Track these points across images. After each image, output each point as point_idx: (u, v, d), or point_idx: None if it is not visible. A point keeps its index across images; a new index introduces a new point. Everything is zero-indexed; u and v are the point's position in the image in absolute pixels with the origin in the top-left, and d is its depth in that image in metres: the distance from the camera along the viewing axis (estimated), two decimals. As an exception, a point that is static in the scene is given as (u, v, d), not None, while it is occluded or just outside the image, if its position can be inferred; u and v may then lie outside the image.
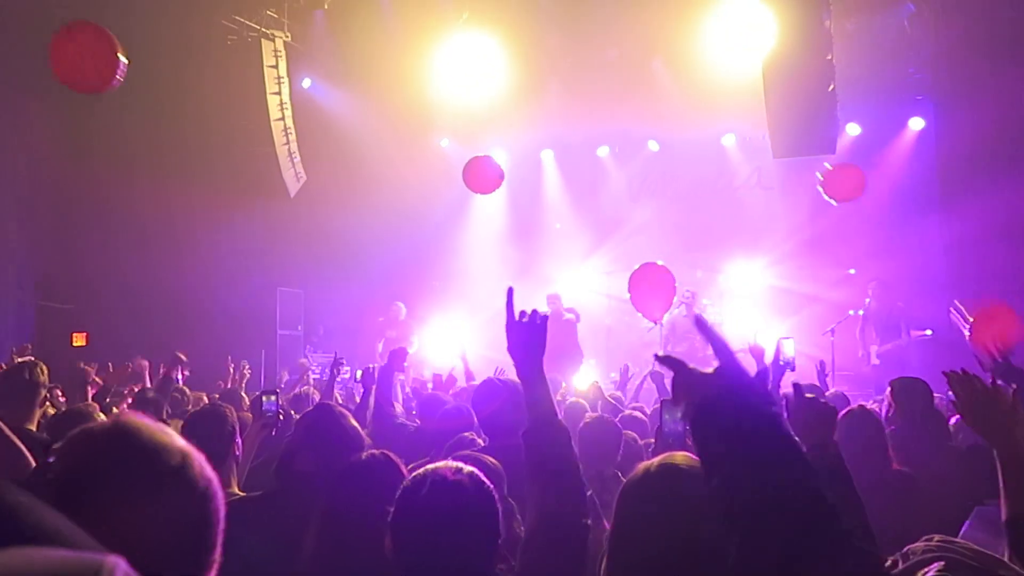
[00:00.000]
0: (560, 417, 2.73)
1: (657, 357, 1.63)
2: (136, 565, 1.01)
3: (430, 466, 2.41)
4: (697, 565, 2.07)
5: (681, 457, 2.31)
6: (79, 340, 14.09)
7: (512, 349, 2.82)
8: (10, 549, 0.93)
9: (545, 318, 2.86)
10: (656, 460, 2.29)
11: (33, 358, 5.26)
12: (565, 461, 2.62)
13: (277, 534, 3.09)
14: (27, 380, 4.75)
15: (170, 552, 1.51)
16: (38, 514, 1.08)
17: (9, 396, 4.70)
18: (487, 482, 2.39)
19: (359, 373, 7.58)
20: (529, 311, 2.86)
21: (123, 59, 7.42)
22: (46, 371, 4.87)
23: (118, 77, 7.46)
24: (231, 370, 8.92)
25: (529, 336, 2.81)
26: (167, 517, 1.50)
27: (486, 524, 2.32)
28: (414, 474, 2.41)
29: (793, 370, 5.52)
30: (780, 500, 1.60)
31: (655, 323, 10.53)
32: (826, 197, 11.03)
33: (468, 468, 2.40)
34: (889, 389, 5.51)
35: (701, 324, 1.89)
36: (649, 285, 9.65)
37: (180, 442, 1.57)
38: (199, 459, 1.58)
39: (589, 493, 2.83)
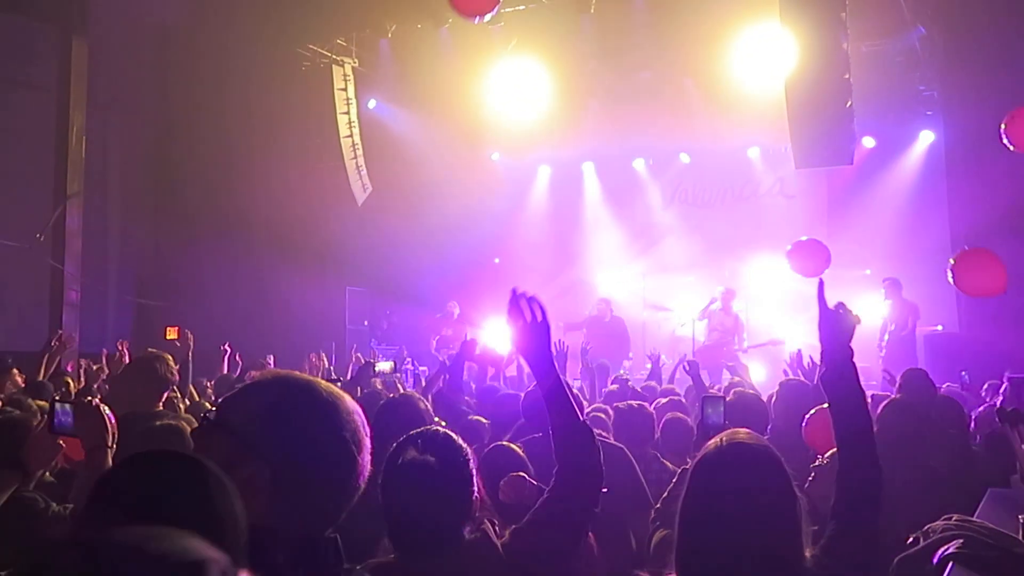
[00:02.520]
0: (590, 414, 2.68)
1: None
2: None
3: (411, 434, 2.45)
4: (767, 529, 2.08)
5: (743, 434, 2.30)
6: (171, 334, 14.25)
7: (523, 351, 2.58)
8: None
9: (544, 315, 2.57)
10: (724, 436, 2.26)
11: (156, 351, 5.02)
12: (588, 464, 2.48)
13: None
14: (157, 372, 4.55)
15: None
16: None
17: (139, 384, 4.55)
18: (462, 447, 2.41)
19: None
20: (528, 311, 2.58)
21: None
22: (173, 366, 4.65)
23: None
24: (318, 360, 9.04)
25: (535, 334, 2.55)
26: None
27: (458, 488, 2.36)
28: (397, 443, 2.45)
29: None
30: None
31: None
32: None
33: (444, 434, 2.44)
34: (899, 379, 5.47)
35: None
36: None
37: None
38: None
39: (604, 491, 2.64)
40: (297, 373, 1.75)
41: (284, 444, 1.58)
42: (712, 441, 2.26)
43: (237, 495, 1.31)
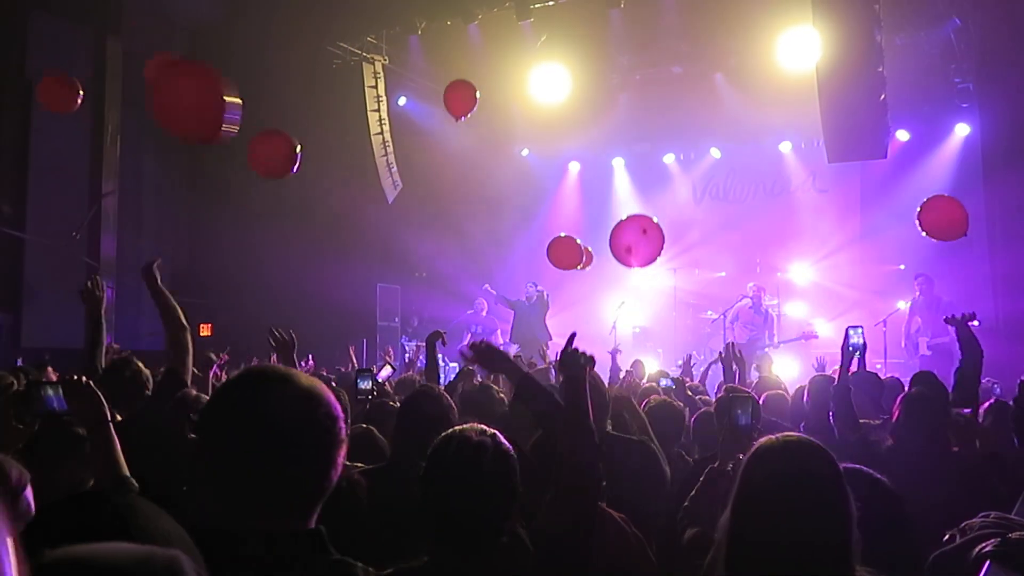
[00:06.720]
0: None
1: None
2: None
3: (456, 428, 2.42)
4: (818, 528, 2.03)
5: (795, 435, 2.26)
6: (205, 330, 14.40)
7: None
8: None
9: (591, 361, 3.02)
10: (777, 436, 2.22)
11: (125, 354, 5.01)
12: (590, 458, 2.73)
13: (396, 498, 3.14)
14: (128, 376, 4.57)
15: None
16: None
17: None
18: (506, 443, 2.37)
19: None
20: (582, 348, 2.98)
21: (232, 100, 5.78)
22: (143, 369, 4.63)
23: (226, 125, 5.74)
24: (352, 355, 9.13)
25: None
26: None
27: (504, 481, 2.31)
28: (443, 435, 2.40)
29: (863, 355, 5.48)
30: None
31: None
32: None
33: (491, 431, 2.40)
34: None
35: None
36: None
37: None
38: None
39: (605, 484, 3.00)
40: (272, 366, 1.77)
41: (237, 434, 1.59)
42: (764, 440, 2.23)
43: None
